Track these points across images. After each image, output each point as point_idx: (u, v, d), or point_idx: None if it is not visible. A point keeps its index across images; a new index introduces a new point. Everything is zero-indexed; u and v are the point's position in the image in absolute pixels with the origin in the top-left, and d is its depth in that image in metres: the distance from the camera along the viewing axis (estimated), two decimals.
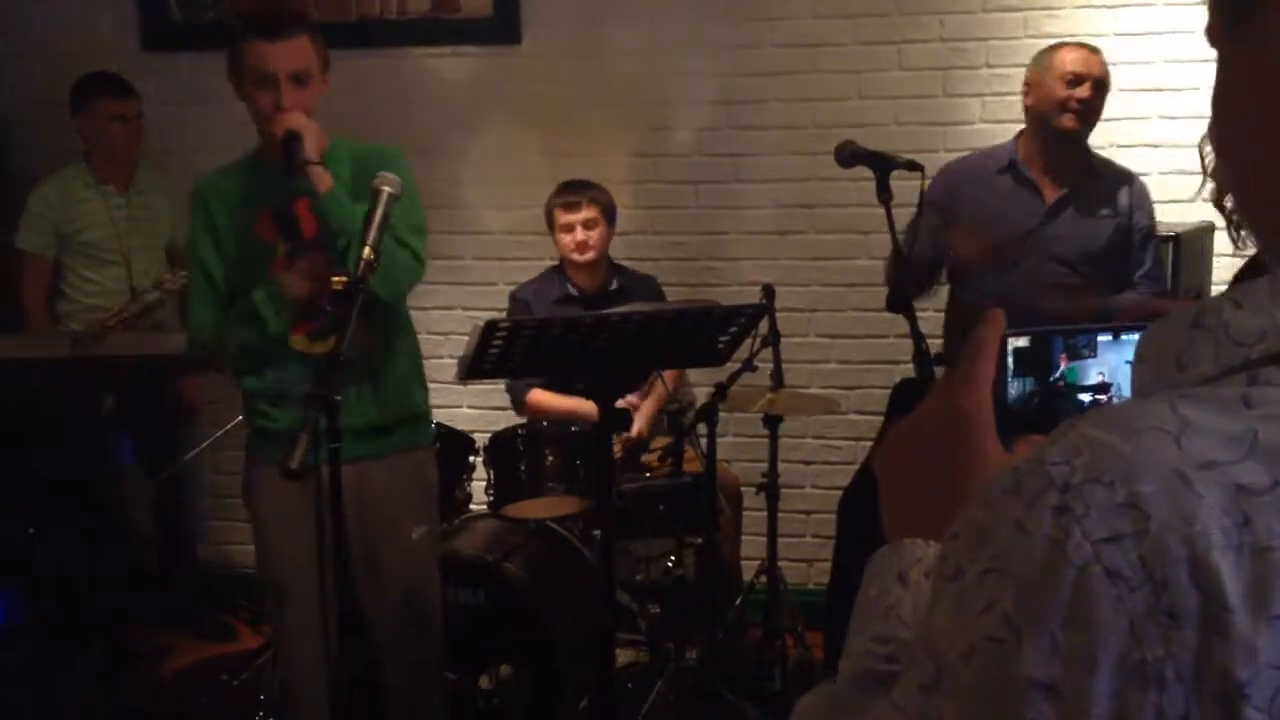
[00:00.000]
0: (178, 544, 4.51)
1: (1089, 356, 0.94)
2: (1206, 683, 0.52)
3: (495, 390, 4.28)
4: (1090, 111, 3.42)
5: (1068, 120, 3.41)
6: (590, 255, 3.93)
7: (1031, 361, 0.94)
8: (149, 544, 4.41)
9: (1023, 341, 0.95)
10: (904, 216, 3.09)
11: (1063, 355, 0.94)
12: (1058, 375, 0.94)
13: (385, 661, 2.95)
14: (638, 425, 3.85)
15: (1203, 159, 0.71)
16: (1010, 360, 0.96)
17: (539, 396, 3.89)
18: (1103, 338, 0.94)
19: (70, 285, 4.19)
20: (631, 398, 3.90)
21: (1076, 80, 3.40)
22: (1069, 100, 3.40)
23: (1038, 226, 3.44)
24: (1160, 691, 0.53)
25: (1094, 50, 3.47)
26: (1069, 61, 3.42)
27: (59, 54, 4.62)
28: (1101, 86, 3.43)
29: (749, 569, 4.04)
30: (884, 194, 2.83)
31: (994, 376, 0.87)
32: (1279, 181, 0.63)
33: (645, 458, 3.83)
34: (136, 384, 4.15)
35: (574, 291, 3.97)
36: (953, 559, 0.61)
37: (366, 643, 2.86)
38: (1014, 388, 0.94)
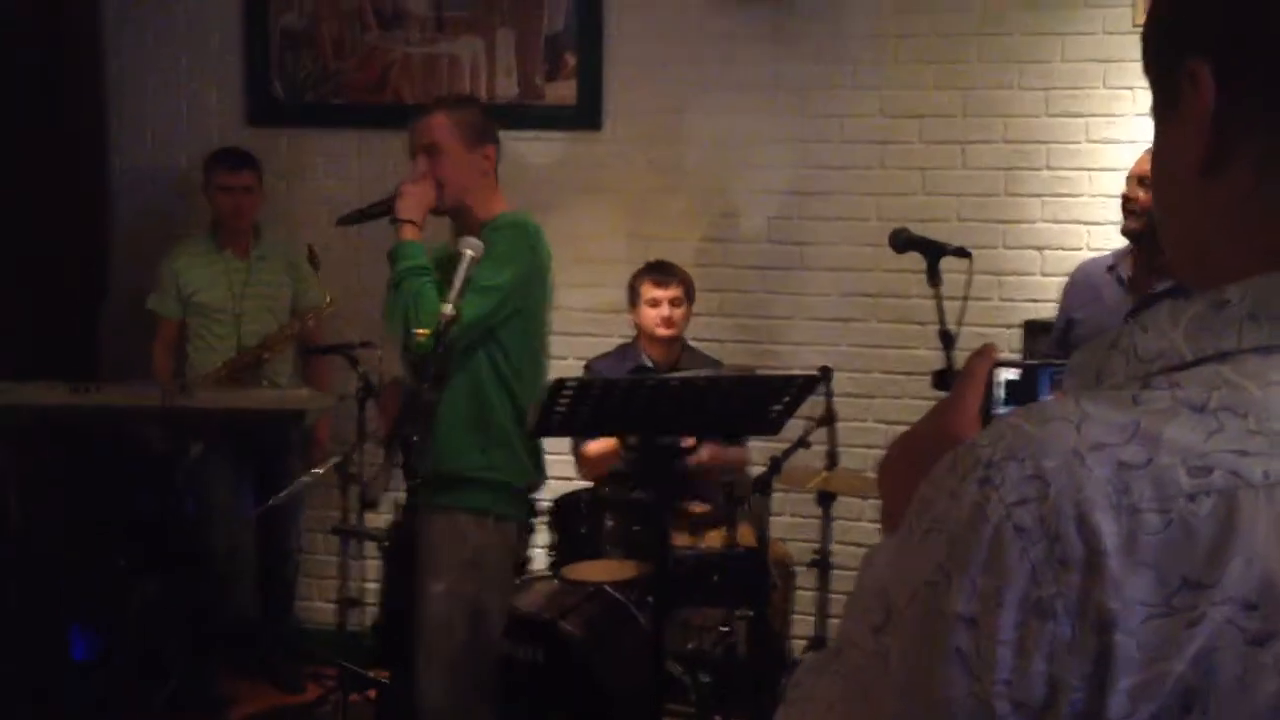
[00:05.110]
0: (276, 592, 4.67)
1: None
2: (1087, 614, 0.65)
3: (560, 459, 4.44)
4: (1139, 210, 3.46)
5: (1124, 221, 3.56)
6: (673, 331, 4.14)
7: (1020, 392, 1.06)
8: (245, 588, 4.56)
9: (1013, 374, 1.06)
10: (952, 306, 3.23)
11: (1058, 391, 1.06)
12: None
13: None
14: (703, 453, 3.95)
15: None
16: (1002, 391, 1.07)
17: (591, 446, 4.04)
18: None
19: (190, 344, 4.55)
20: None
21: (1131, 180, 3.54)
22: (1124, 201, 3.54)
23: (1121, 323, 3.55)
24: (1053, 622, 0.66)
25: None
26: (1134, 164, 3.57)
27: (168, 129, 4.93)
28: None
29: (798, 648, 4.13)
30: (934, 279, 2.99)
31: (982, 403, 1.00)
32: (1184, 225, 0.80)
33: (702, 529, 3.96)
34: (242, 431, 4.37)
35: (648, 364, 4.16)
36: (905, 525, 0.75)
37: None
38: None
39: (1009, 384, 1.08)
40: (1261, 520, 0.65)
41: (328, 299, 4.41)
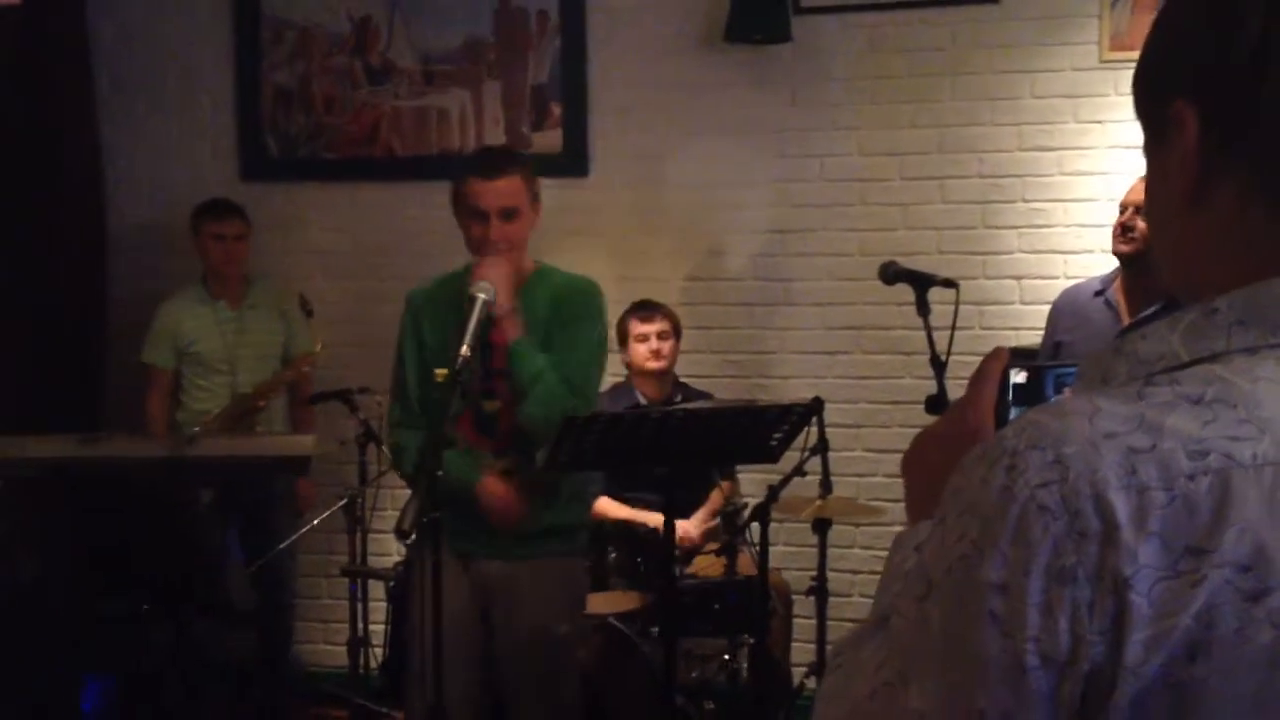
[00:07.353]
0: (275, 638, 4.72)
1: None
2: (1103, 579, 0.76)
3: None
4: (1139, 236, 3.51)
5: (1114, 244, 3.64)
6: (663, 364, 4.25)
7: (1028, 394, 1.16)
8: (247, 633, 4.62)
9: (1021, 377, 1.17)
10: (942, 335, 3.35)
11: (1068, 389, 1.15)
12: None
13: None
14: (694, 529, 4.08)
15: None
16: (1010, 393, 1.17)
17: (605, 505, 4.13)
18: None
19: (185, 393, 4.60)
20: (685, 522, 4.11)
21: (1124, 208, 3.62)
22: (1116, 226, 3.62)
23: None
24: (1074, 587, 0.76)
25: None
26: (1129, 193, 3.65)
27: (164, 187, 5.03)
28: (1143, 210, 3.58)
29: (798, 675, 4.21)
30: (923, 309, 3.10)
31: (996, 401, 1.10)
32: (1177, 247, 0.91)
33: (700, 559, 4.05)
34: (241, 480, 4.43)
35: (642, 400, 4.26)
36: (940, 511, 0.86)
37: None
38: (1012, 414, 1.16)
39: (1016, 386, 1.17)
40: (1252, 495, 0.76)
41: (318, 345, 4.51)
